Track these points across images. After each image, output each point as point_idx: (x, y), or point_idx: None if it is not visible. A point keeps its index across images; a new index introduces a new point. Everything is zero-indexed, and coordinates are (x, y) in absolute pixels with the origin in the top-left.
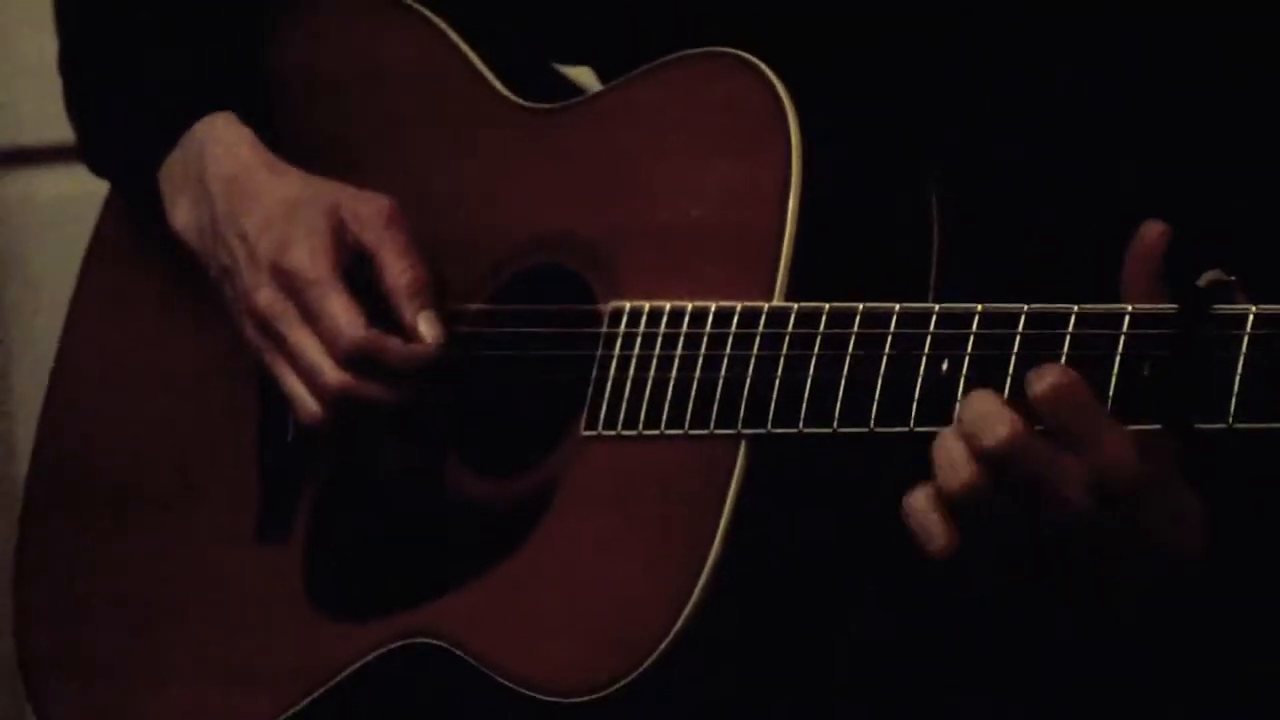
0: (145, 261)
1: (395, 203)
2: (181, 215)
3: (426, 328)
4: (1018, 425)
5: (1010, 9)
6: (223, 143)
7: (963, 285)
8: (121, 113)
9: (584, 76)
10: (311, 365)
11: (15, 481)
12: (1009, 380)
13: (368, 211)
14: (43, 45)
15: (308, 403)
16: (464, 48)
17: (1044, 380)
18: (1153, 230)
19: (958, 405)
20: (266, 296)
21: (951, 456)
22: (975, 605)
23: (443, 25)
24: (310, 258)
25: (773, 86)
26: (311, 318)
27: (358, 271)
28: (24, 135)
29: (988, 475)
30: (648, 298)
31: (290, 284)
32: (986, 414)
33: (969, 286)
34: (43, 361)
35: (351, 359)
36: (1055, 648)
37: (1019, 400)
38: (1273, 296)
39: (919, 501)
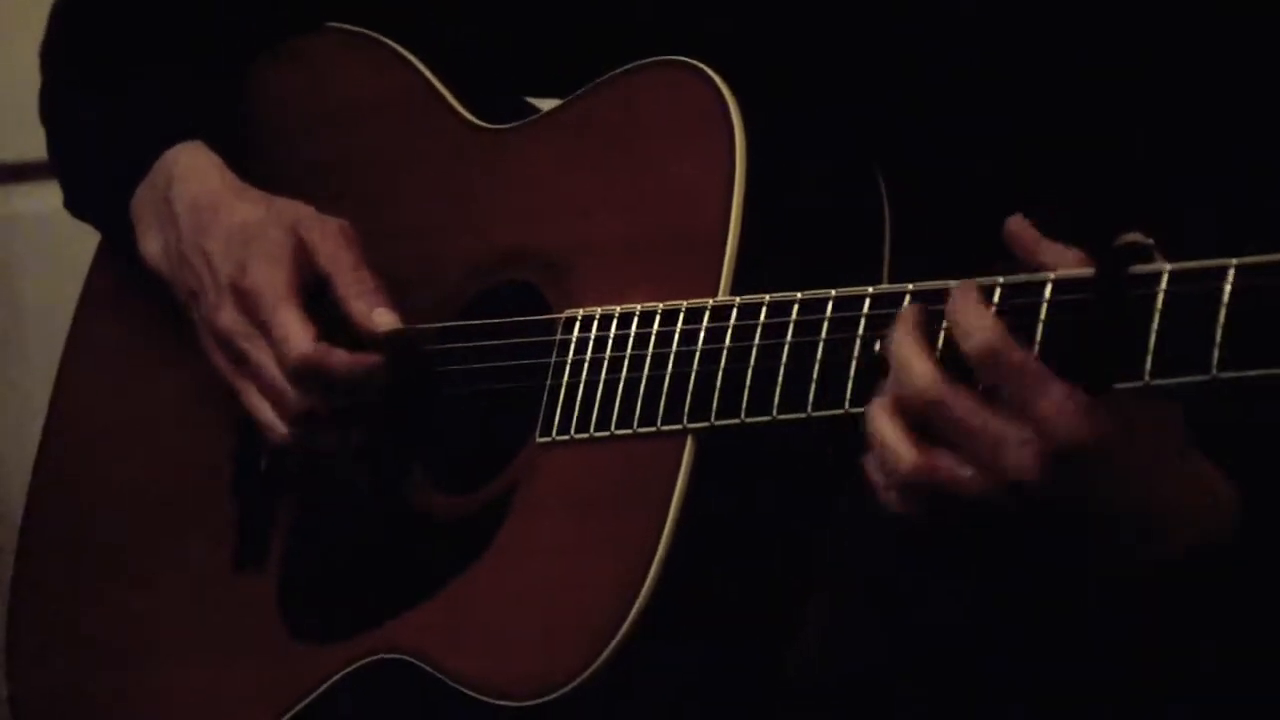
0: (133, 307)
1: (347, 224)
2: (150, 241)
3: (382, 318)
4: (937, 376)
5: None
6: (189, 168)
7: (916, 271)
8: (95, 144)
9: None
10: (273, 382)
11: (5, 505)
12: (939, 353)
13: (319, 235)
14: (26, 62)
15: (274, 423)
16: (429, 75)
17: (972, 337)
18: (1015, 222)
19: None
20: (227, 317)
21: (890, 444)
22: (937, 598)
23: (409, 55)
24: (267, 278)
25: (714, 85)
26: (267, 334)
27: (319, 295)
28: (8, 151)
29: (929, 454)
30: (601, 305)
31: (248, 304)
32: (908, 364)
33: (922, 272)
34: (27, 376)
35: (300, 373)
36: (1019, 644)
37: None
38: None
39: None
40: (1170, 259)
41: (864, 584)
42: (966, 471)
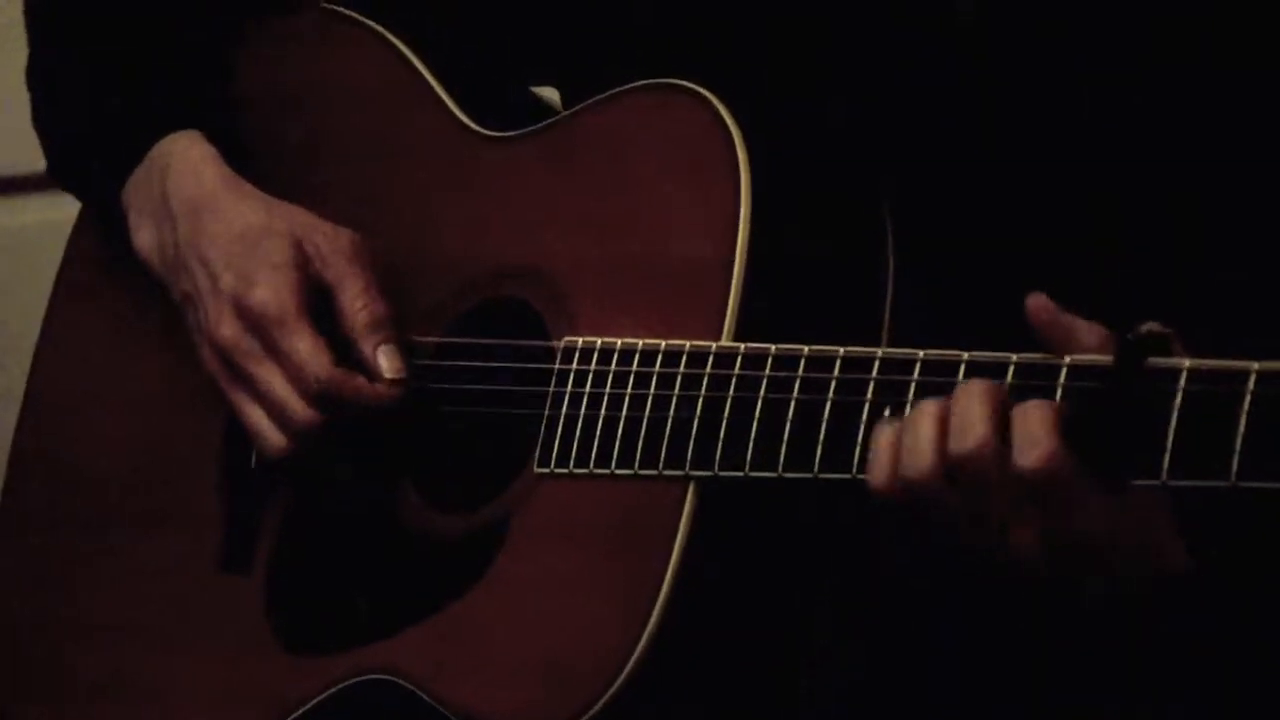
0: (115, 284)
1: (358, 238)
2: (144, 236)
3: (387, 361)
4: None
5: (959, 35)
6: (186, 162)
7: (917, 312)
8: (86, 128)
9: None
10: (279, 401)
11: None
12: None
13: (329, 248)
14: (6, 75)
15: (271, 437)
16: (424, 71)
17: (1034, 453)
18: (1036, 303)
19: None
20: (230, 331)
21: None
22: (935, 644)
23: (406, 51)
24: (275, 295)
25: (723, 121)
26: (277, 356)
27: (320, 304)
28: None
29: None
30: (600, 332)
31: (255, 321)
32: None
33: (923, 313)
34: (10, 387)
35: (319, 397)
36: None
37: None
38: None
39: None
40: (1183, 334)
41: (867, 618)
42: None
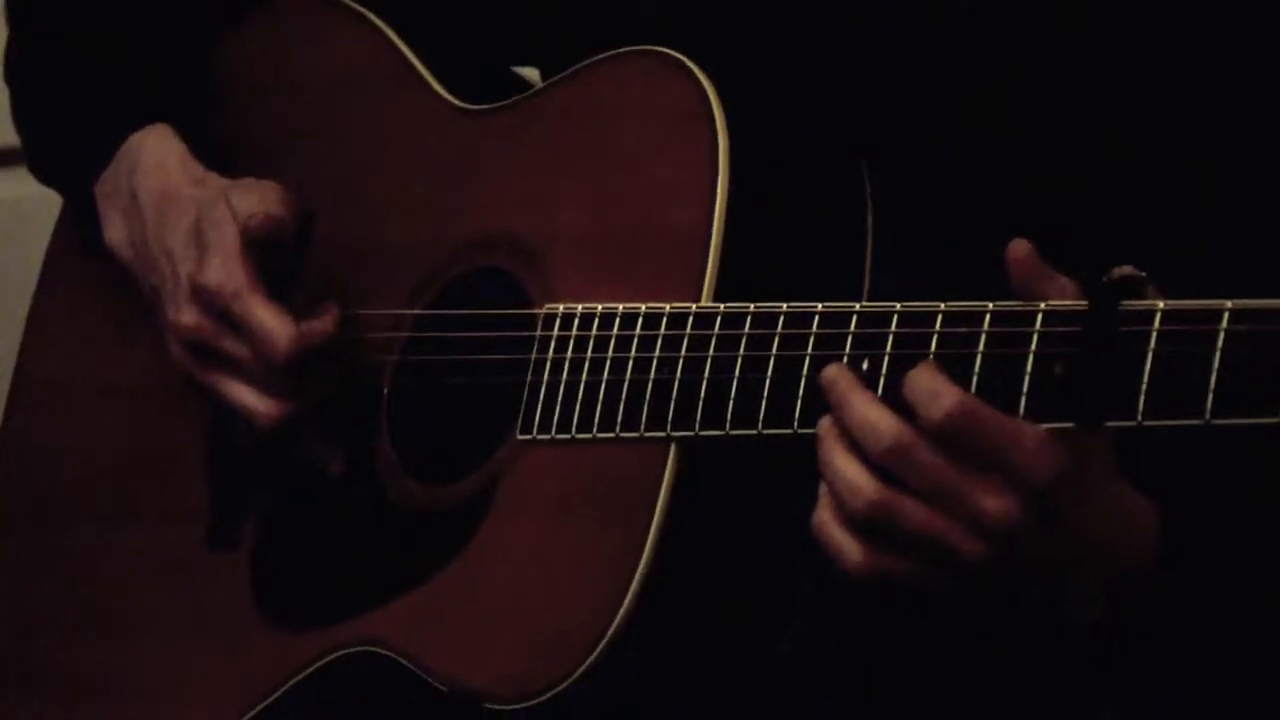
0: (99, 273)
1: (273, 188)
2: (115, 232)
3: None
4: (906, 432)
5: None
6: (154, 157)
7: (897, 275)
8: (60, 125)
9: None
10: (255, 370)
11: None
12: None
13: (247, 204)
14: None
15: (260, 406)
16: (404, 50)
17: (939, 407)
18: (1019, 248)
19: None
20: (191, 318)
21: (848, 480)
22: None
23: (384, 28)
24: (226, 269)
25: (700, 85)
26: (242, 330)
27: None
28: None
29: (892, 490)
30: (580, 299)
31: (212, 301)
32: (872, 419)
33: (903, 276)
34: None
35: (293, 361)
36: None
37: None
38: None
39: (827, 523)
40: (1160, 280)
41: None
42: (932, 512)
